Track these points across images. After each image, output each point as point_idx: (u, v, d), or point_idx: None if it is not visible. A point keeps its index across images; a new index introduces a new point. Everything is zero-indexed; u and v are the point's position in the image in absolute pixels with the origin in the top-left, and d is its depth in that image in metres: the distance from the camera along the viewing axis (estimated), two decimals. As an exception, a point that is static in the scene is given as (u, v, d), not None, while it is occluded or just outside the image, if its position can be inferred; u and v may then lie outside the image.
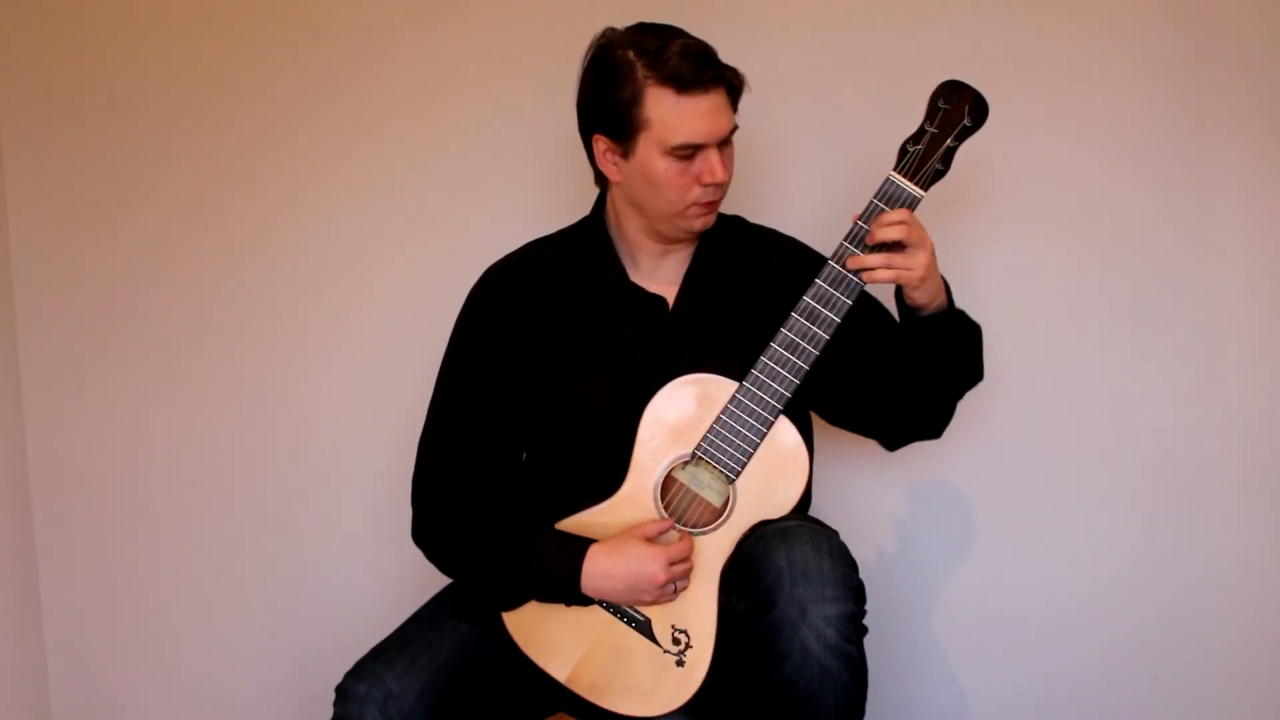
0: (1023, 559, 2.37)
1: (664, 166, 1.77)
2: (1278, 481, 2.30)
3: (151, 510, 2.54)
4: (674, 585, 1.76)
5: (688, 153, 1.76)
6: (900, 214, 1.74)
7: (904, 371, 1.85)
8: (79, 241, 2.49)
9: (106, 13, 2.44)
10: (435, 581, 1.94)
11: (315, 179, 2.44)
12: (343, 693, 1.76)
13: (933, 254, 1.75)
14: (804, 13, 2.30)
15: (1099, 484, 2.34)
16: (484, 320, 1.90)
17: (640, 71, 1.75)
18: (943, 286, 1.80)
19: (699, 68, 1.74)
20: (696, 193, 1.79)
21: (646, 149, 1.77)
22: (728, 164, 1.80)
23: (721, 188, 1.81)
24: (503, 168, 2.40)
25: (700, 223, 1.84)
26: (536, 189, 2.36)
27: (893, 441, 1.98)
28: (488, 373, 1.88)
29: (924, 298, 1.77)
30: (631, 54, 1.76)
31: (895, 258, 1.74)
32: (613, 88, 1.77)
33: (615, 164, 1.82)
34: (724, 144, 1.79)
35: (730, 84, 1.78)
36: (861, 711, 1.68)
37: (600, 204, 1.93)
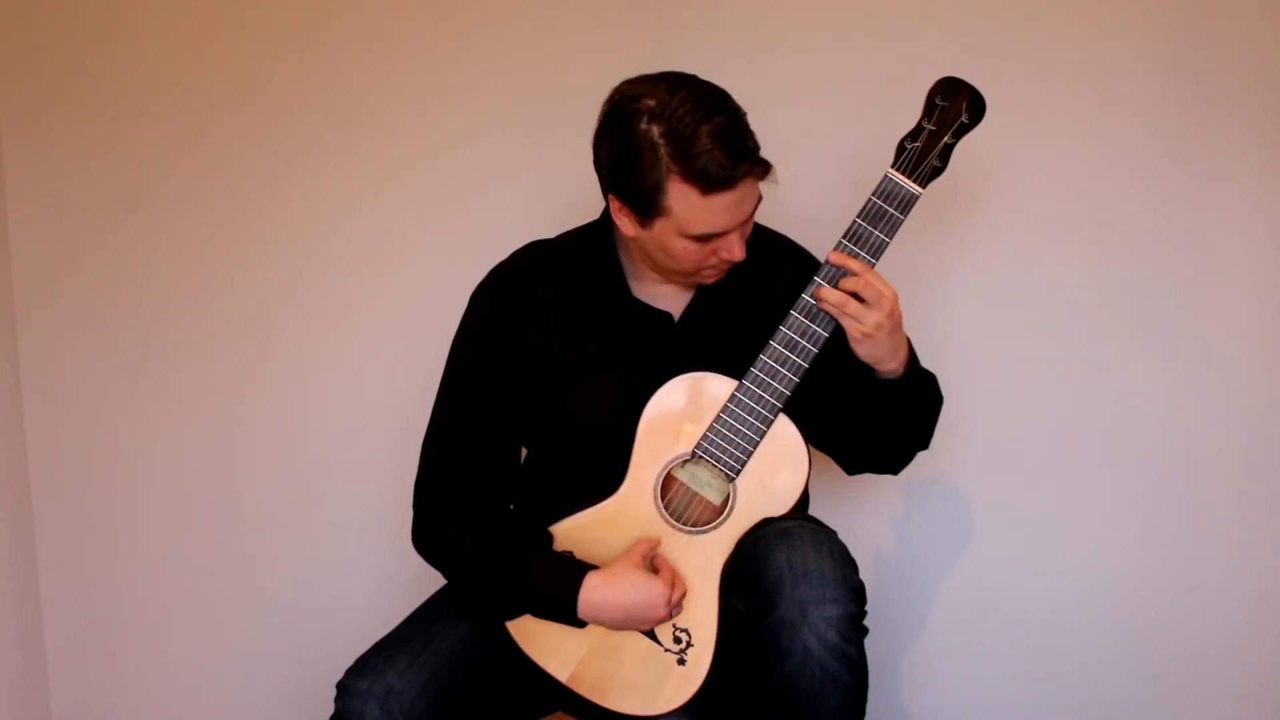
0: (1022, 559, 2.37)
1: (682, 246, 1.73)
2: (1277, 481, 2.29)
3: (152, 510, 2.54)
4: (670, 614, 1.76)
5: (708, 238, 1.73)
6: (850, 280, 1.72)
7: (852, 412, 1.85)
8: (79, 241, 2.49)
9: (107, 13, 2.44)
10: (436, 579, 1.93)
11: (317, 180, 2.44)
12: (344, 689, 1.75)
13: (890, 317, 1.71)
14: (802, 10, 2.30)
15: (1098, 484, 2.34)
16: (487, 323, 1.87)
17: (665, 161, 1.66)
18: (900, 353, 1.76)
19: (731, 163, 1.65)
20: (713, 260, 1.77)
21: (665, 229, 1.72)
22: (746, 233, 1.76)
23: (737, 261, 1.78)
24: (505, 168, 2.40)
25: (712, 278, 1.82)
26: (540, 190, 2.36)
27: (850, 468, 1.97)
28: (491, 376, 1.86)
29: (868, 356, 1.74)
30: (655, 132, 1.66)
31: (851, 303, 1.71)
32: (635, 168, 1.68)
33: (630, 223, 1.77)
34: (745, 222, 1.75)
35: (758, 174, 1.71)
36: (862, 712, 1.69)
37: (607, 212, 1.89)
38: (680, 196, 1.68)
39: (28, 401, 2.54)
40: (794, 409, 1.76)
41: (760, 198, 1.75)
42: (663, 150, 1.66)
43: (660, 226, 1.73)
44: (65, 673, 2.59)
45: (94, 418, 2.53)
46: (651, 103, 1.68)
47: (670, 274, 1.82)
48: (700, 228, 1.71)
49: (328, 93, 2.42)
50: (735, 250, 1.74)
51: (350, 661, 1.79)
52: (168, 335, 2.50)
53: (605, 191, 1.79)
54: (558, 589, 1.75)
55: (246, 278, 2.48)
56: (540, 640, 1.80)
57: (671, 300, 1.87)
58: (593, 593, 1.74)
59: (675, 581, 1.76)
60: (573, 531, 1.81)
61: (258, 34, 2.42)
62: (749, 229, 1.78)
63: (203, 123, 2.44)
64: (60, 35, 2.45)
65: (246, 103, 2.43)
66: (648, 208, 1.71)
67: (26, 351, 2.52)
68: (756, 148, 1.70)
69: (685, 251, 1.74)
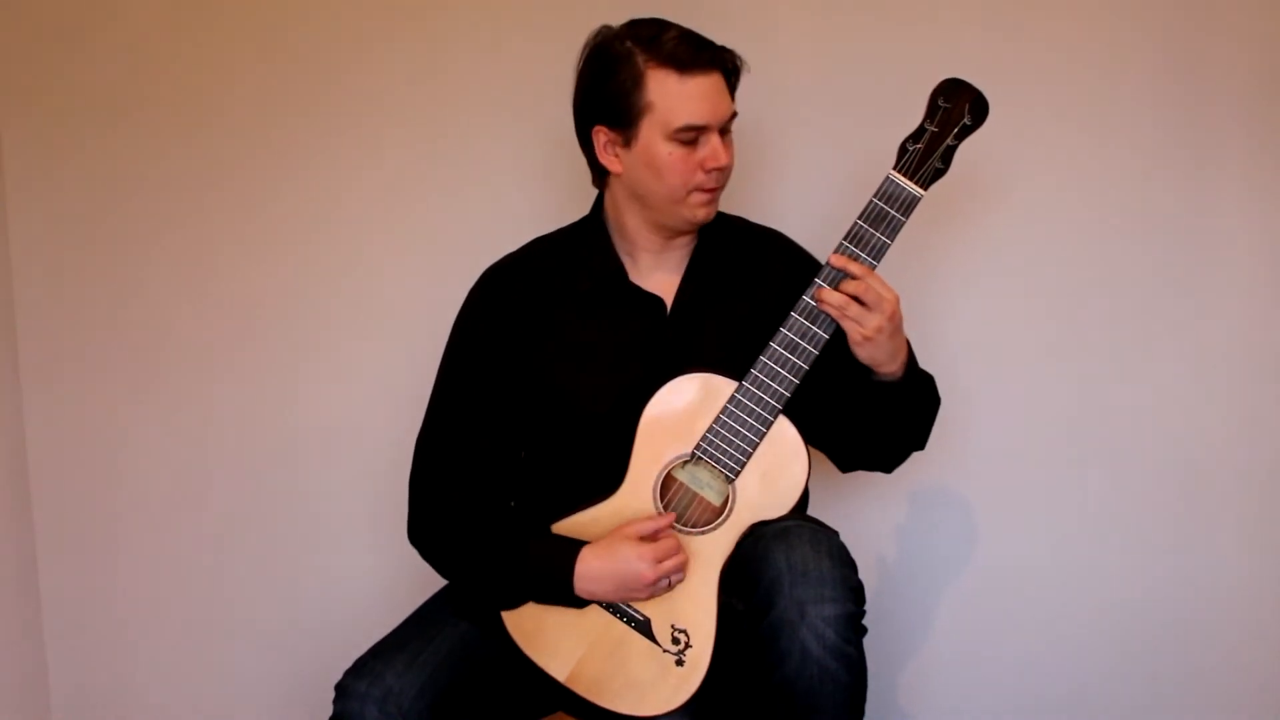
0: (1022, 560, 2.37)
1: (667, 151, 1.77)
2: (1274, 480, 2.29)
3: (151, 510, 2.54)
4: (667, 581, 1.76)
5: (691, 136, 1.76)
6: (853, 283, 1.73)
7: (849, 410, 1.85)
8: (79, 241, 2.49)
9: (107, 12, 2.44)
10: (435, 580, 1.94)
11: (317, 179, 2.44)
12: (343, 690, 1.75)
13: (891, 320, 1.73)
14: (803, 10, 2.30)
15: (1097, 485, 2.33)
16: (482, 320, 1.89)
17: (639, 57, 1.76)
18: (900, 356, 1.78)
19: (697, 49, 1.76)
20: (700, 178, 1.79)
21: (649, 134, 1.77)
22: (730, 150, 1.81)
23: (724, 173, 1.81)
24: (502, 168, 2.40)
25: (703, 212, 1.83)
26: (536, 189, 2.36)
27: (844, 465, 1.97)
28: (486, 372, 1.87)
29: (868, 359, 1.76)
30: (629, 43, 1.78)
31: (852, 305, 1.73)
32: (612, 75, 1.78)
33: (617, 155, 1.82)
34: (724, 131, 1.80)
35: (727, 67, 1.79)
36: (861, 712, 1.68)
37: (598, 204, 1.93)
38: (659, 84, 1.76)
39: (28, 401, 2.54)
40: (791, 406, 1.77)
41: (735, 112, 1.81)
42: (636, 52, 1.77)
43: (645, 133, 1.77)
44: (65, 673, 2.59)
45: (94, 417, 2.53)
46: (619, 31, 1.81)
47: (661, 208, 1.83)
48: (681, 117, 1.75)
49: (328, 94, 2.42)
50: (720, 154, 1.78)
51: (350, 661, 1.79)
52: (167, 334, 2.50)
53: (589, 131, 1.83)
54: (554, 565, 1.77)
55: (247, 278, 2.48)
56: (539, 639, 1.80)
57: (664, 285, 1.88)
58: (587, 564, 1.76)
59: (675, 550, 1.76)
60: (572, 531, 1.81)
61: (258, 35, 2.42)
62: (731, 148, 1.81)
63: (204, 123, 2.44)
64: (60, 34, 2.45)
65: (247, 103, 2.43)
66: (630, 111, 1.77)
67: (26, 351, 2.52)
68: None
69: (671, 160, 1.77)
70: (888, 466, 1.94)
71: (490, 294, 1.91)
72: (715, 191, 1.83)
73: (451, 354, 1.91)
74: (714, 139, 1.78)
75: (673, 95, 1.75)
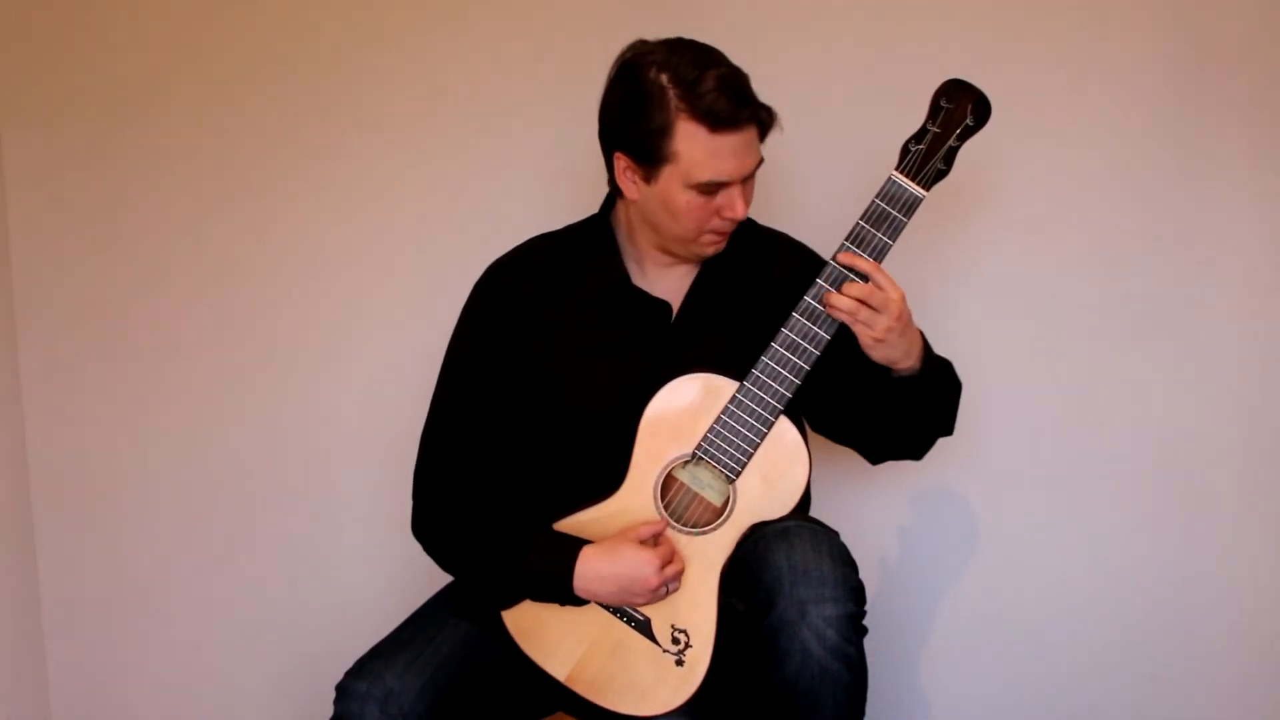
0: (1022, 560, 2.36)
1: (686, 199, 1.75)
2: (1273, 481, 2.29)
3: (152, 510, 2.54)
4: (665, 588, 1.76)
5: (712, 189, 1.74)
6: (859, 287, 1.72)
7: (875, 405, 1.85)
8: (79, 241, 2.49)
9: (108, 13, 2.44)
10: (436, 581, 1.94)
11: (317, 177, 2.45)
12: (343, 691, 1.75)
13: (900, 319, 1.73)
14: (806, 11, 2.30)
15: (1098, 486, 2.33)
16: (486, 315, 1.89)
17: (673, 102, 1.71)
18: (914, 350, 1.78)
19: (735, 106, 1.70)
20: (714, 223, 1.78)
21: (670, 180, 1.74)
22: (748, 197, 1.79)
23: (739, 220, 1.80)
24: (506, 165, 2.40)
25: (712, 250, 1.83)
26: (540, 186, 2.36)
27: (873, 458, 1.98)
28: (489, 367, 1.87)
29: (883, 359, 1.76)
30: (665, 79, 1.71)
31: (862, 309, 1.72)
32: (642, 113, 1.73)
33: (634, 184, 1.79)
34: (747, 178, 1.78)
35: (761, 121, 1.74)
36: (861, 712, 1.68)
37: (609, 205, 1.92)
38: (688, 137, 1.71)
39: (28, 401, 2.54)
40: (814, 404, 1.77)
41: (762, 159, 1.77)
42: (671, 93, 1.71)
43: (666, 177, 1.74)
44: (65, 673, 2.59)
45: (94, 417, 2.53)
46: (657, 57, 1.74)
47: (672, 242, 1.83)
48: (706, 173, 1.72)
49: (330, 93, 2.42)
50: (738, 207, 1.76)
51: (350, 661, 1.79)
52: (168, 334, 2.50)
53: (611, 152, 1.80)
54: (554, 564, 1.76)
55: (246, 277, 2.48)
56: (539, 639, 1.80)
57: (671, 290, 1.87)
58: (587, 565, 1.75)
59: (672, 556, 1.76)
60: (573, 530, 1.81)
61: (259, 36, 2.42)
62: (751, 191, 1.79)
63: (204, 123, 2.44)
64: (61, 34, 2.45)
65: (248, 103, 2.44)
66: (654, 154, 1.73)
67: (26, 352, 2.52)
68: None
69: (689, 207, 1.75)
70: (917, 454, 1.94)
71: (494, 290, 1.91)
72: (727, 233, 1.82)
73: (455, 349, 1.91)
74: (734, 190, 1.75)
75: (700, 150, 1.71)
